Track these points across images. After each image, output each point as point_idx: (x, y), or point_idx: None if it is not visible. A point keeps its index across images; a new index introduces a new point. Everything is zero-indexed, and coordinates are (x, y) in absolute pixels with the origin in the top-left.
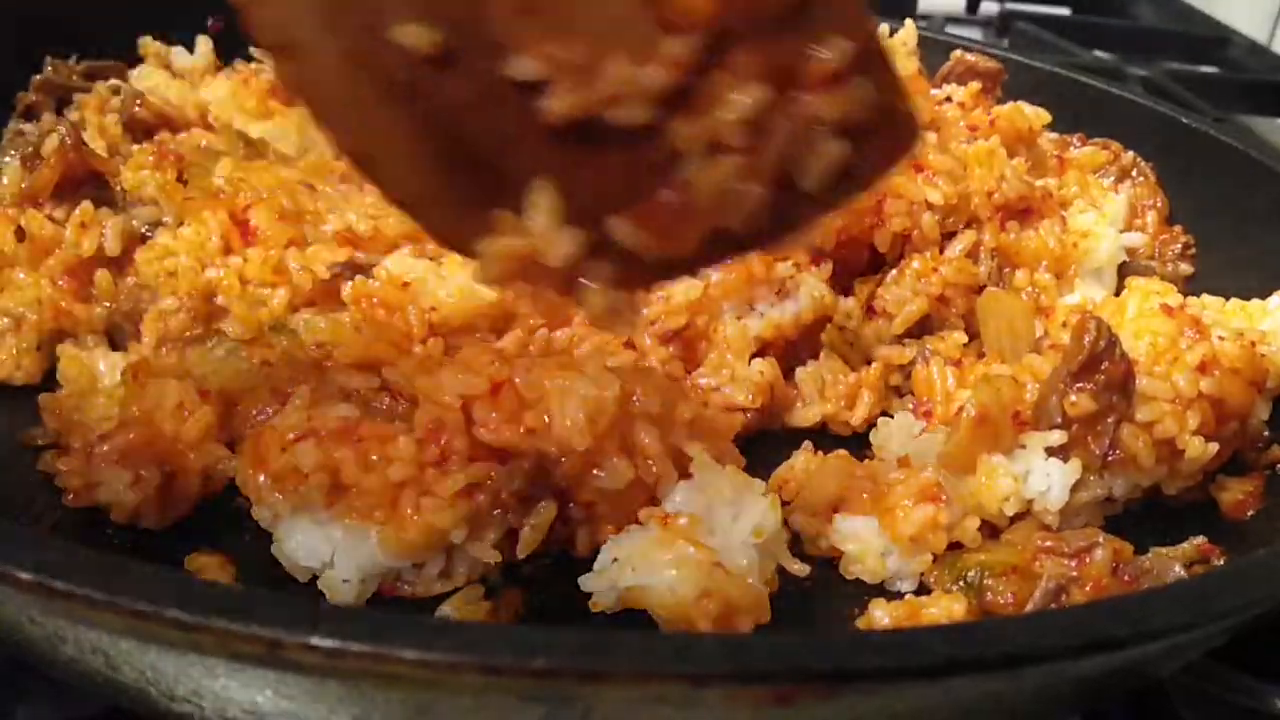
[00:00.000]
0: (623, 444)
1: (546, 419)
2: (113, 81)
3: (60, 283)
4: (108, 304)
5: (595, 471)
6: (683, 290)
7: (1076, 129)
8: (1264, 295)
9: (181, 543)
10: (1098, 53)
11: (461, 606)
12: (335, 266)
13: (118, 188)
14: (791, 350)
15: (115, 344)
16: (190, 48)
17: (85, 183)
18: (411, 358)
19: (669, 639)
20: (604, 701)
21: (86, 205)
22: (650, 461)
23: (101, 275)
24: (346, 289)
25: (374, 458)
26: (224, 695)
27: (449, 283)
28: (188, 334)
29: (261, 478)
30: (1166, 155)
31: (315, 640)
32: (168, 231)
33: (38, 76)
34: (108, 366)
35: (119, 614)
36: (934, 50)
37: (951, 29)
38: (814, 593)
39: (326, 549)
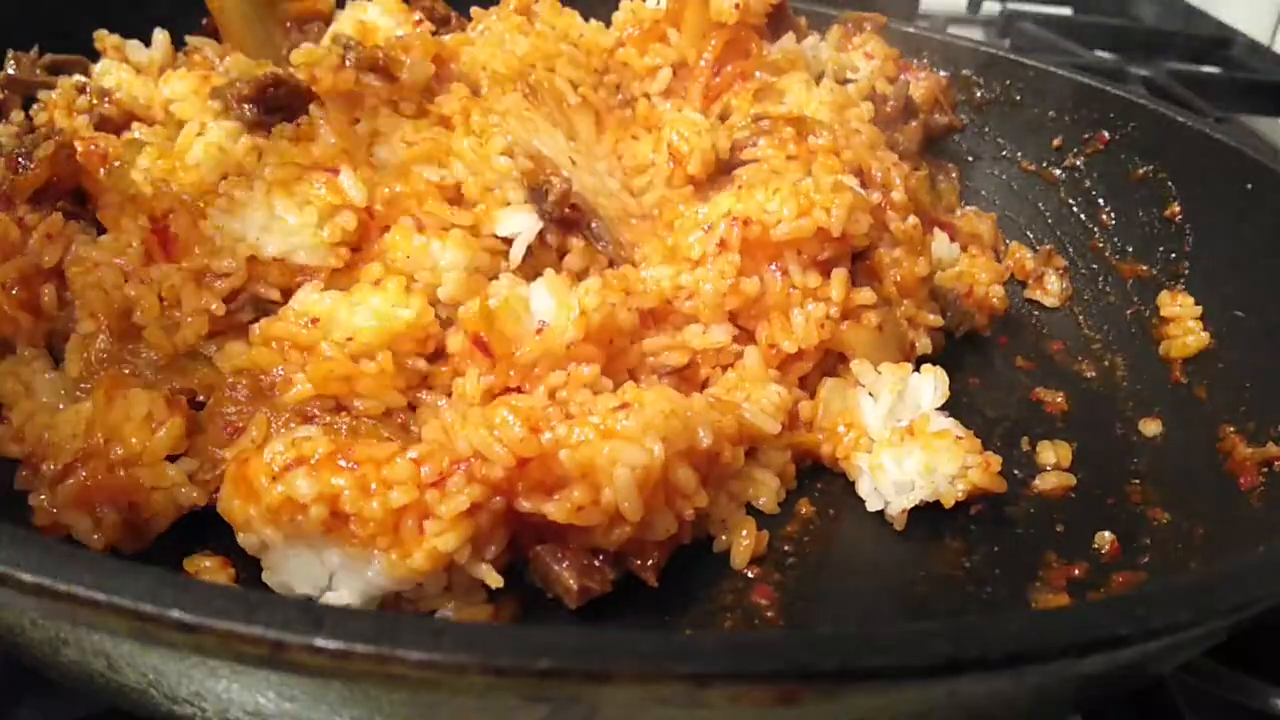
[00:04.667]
0: (661, 490)
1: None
2: (77, 78)
3: (13, 290)
4: (49, 320)
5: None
6: (694, 338)
7: (1078, 129)
8: (1263, 294)
9: (181, 544)
10: (1099, 53)
11: (461, 609)
12: (234, 300)
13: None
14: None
15: (58, 360)
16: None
17: (65, 195)
18: (366, 377)
19: (673, 639)
20: (608, 702)
21: (56, 217)
22: (688, 498)
23: (46, 291)
24: (255, 330)
25: (372, 485)
26: (226, 697)
27: (362, 310)
28: (104, 354)
29: (252, 510)
30: (1167, 155)
31: (319, 641)
32: (90, 242)
33: (1, 73)
34: (45, 385)
35: (121, 616)
36: (935, 50)
37: (953, 29)
38: (818, 593)
39: (323, 574)
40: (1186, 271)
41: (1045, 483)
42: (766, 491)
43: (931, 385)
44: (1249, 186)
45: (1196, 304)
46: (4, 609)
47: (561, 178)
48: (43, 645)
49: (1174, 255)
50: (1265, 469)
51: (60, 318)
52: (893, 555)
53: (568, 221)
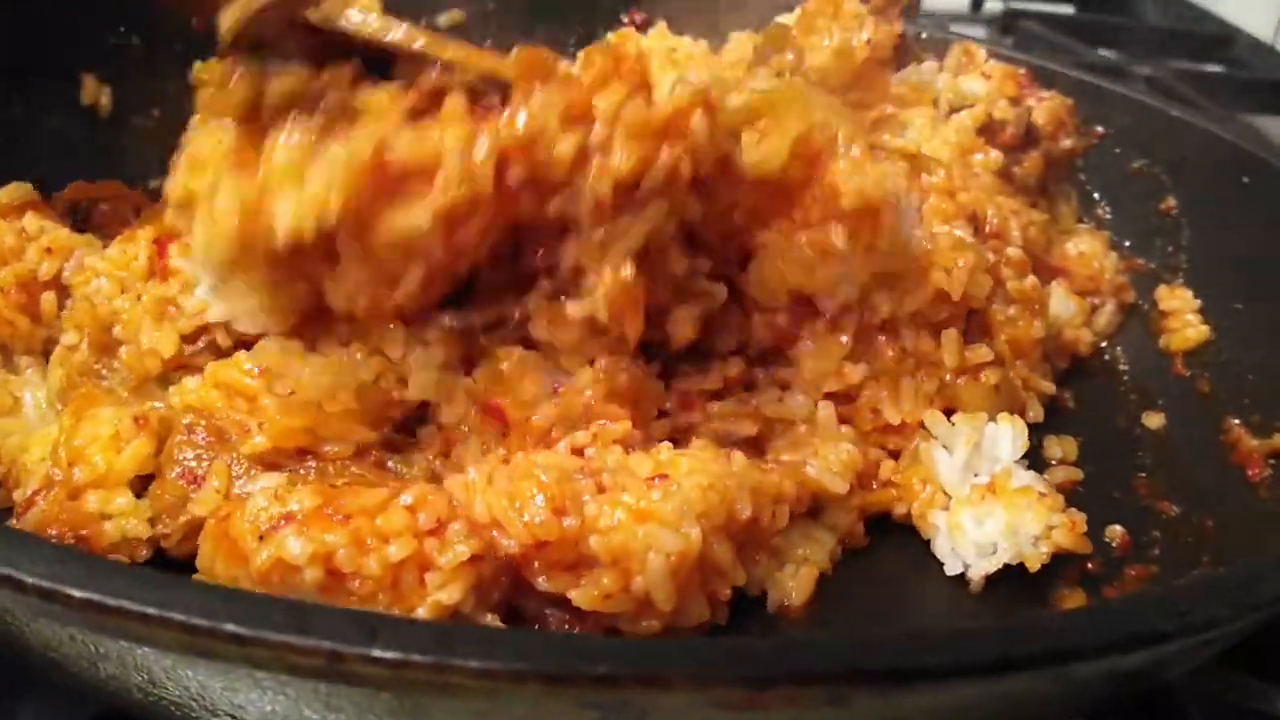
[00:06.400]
0: (696, 573)
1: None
2: None
3: (11, 293)
4: (48, 328)
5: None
6: (768, 406)
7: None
8: (1262, 287)
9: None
10: (1102, 51)
11: None
12: (193, 342)
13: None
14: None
15: None
16: None
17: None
18: (331, 419)
19: (728, 643)
20: (660, 706)
21: (61, 232)
22: (724, 575)
23: (46, 298)
24: (208, 370)
25: (368, 540)
26: (270, 709)
27: (314, 363)
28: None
29: (239, 573)
30: (1162, 149)
31: (376, 652)
32: (96, 253)
33: None
34: (33, 397)
35: (173, 630)
36: (935, 50)
37: (955, 28)
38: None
39: None
40: (1184, 265)
41: (1054, 477)
42: (822, 553)
43: (1010, 436)
44: (1245, 179)
45: (1195, 297)
46: (46, 624)
47: None
48: (80, 661)
49: (1171, 249)
50: (1273, 459)
51: (58, 326)
52: (909, 551)
53: None
